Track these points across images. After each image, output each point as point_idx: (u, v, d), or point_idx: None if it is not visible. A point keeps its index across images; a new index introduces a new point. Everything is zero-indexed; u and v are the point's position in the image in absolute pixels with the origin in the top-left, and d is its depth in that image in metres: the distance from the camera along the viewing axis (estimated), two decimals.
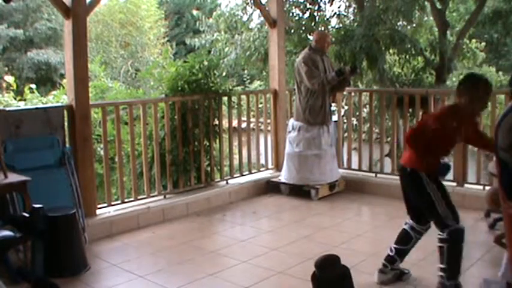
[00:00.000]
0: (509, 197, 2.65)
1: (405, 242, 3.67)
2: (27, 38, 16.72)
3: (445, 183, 5.66)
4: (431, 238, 3.56)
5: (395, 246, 3.69)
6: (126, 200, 5.22)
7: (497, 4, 10.19)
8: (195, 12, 14.54)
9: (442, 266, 3.42)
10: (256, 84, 13.65)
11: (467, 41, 11.10)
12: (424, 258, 4.04)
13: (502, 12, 9.89)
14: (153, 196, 5.40)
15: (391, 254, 3.70)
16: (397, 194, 5.18)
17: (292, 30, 10.05)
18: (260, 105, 6.94)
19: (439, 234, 3.41)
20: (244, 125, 6.54)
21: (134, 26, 17.17)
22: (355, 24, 9.95)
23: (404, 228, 3.69)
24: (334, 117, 6.51)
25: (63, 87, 8.58)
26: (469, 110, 3.47)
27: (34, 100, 8.41)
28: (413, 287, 3.68)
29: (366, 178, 6.25)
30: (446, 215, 3.40)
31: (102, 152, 6.00)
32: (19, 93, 9.05)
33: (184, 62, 5.96)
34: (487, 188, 5.18)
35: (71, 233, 4.01)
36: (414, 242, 3.67)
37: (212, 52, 10.81)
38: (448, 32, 10.38)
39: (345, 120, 7.09)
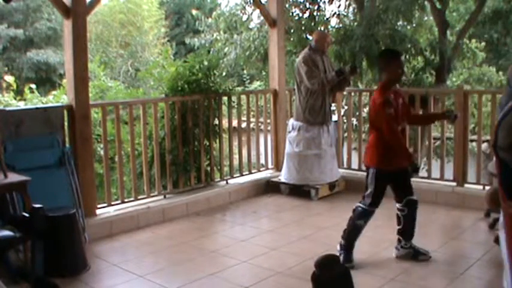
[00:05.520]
0: (509, 197, 2.65)
1: (398, 222, 4.13)
2: (27, 38, 16.72)
3: (445, 183, 5.70)
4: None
5: (396, 227, 4.16)
6: (126, 200, 5.22)
7: (497, 4, 10.18)
8: (194, 12, 14.53)
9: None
10: (256, 84, 13.65)
11: (467, 41, 11.10)
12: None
13: (502, 12, 9.89)
14: (153, 196, 5.40)
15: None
16: None
17: (292, 30, 10.05)
18: (260, 105, 6.95)
19: None
20: (244, 125, 6.54)
21: (134, 26, 17.18)
22: (355, 24, 9.95)
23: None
24: (334, 117, 6.51)
25: (63, 87, 8.58)
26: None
27: (34, 100, 8.42)
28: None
29: None
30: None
31: (102, 152, 6.00)
32: (19, 93, 9.05)
33: (184, 62, 5.96)
34: (487, 188, 5.17)
35: (71, 233, 4.01)
36: (402, 220, 4.08)
37: (211, 52, 10.81)
38: (448, 32, 10.37)
39: (345, 120, 7.09)
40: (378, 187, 3.98)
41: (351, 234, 4.08)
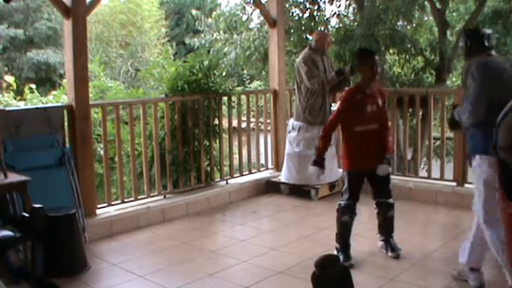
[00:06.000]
0: (509, 197, 2.65)
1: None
2: (27, 38, 16.72)
3: (445, 183, 5.70)
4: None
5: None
6: (126, 200, 5.22)
7: (497, 4, 10.17)
8: (194, 12, 14.53)
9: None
10: (256, 84, 13.65)
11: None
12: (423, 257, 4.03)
13: (502, 12, 9.87)
14: (153, 196, 5.40)
15: None
16: (396, 194, 5.19)
17: (292, 30, 10.04)
18: (260, 105, 6.95)
19: None
20: (244, 125, 6.54)
21: (135, 26, 17.19)
22: (355, 24, 9.94)
23: None
24: None
25: (63, 87, 8.58)
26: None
27: (34, 100, 8.42)
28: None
29: None
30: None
31: (102, 152, 6.00)
32: (19, 93, 9.06)
33: (184, 62, 5.97)
34: None
35: (71, 233, 4.01)
36: (377, 217, 4.30)
37: (211, 52, 10.81)
38: (448, 32, 10.36)
39: None
40: (351, 183, 4.14)
41: (342, 234, 4.14)
